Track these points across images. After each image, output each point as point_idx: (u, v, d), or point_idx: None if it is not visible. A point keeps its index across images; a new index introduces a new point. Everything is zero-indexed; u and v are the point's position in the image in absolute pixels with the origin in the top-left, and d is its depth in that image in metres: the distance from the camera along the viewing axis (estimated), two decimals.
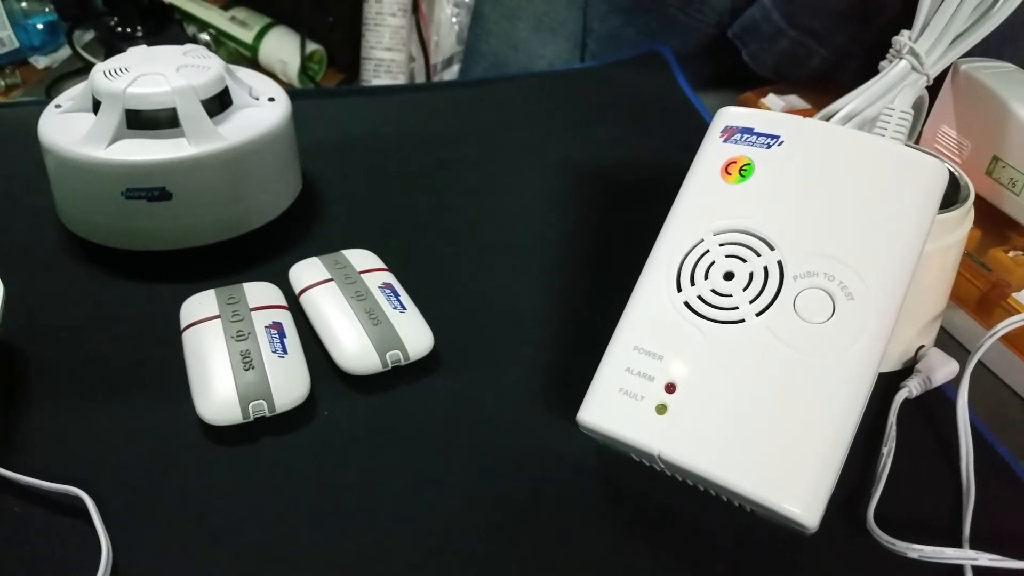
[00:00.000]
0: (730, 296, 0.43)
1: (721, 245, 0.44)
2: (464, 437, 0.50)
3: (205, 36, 1.16)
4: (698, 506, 0.45)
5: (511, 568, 0.44)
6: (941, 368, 0.53)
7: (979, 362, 0.48)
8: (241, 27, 1.13)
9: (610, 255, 0.65)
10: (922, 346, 0.55)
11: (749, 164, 0.45)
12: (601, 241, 0.66)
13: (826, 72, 0.88)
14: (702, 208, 0.46)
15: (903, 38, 0.53)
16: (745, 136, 0.46)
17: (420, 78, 1.12)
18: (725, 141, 0.47)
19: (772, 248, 0.43)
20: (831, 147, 0.45)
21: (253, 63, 1.12)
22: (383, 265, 0.59)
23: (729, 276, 0.43)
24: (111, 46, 1.14)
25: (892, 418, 0.50)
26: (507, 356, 0.56)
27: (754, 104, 0.84)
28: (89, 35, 1.18)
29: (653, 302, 0.44)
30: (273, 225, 0.64)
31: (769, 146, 0.45)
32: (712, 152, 0.47)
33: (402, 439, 0.50)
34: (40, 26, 1.17)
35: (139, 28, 1.13)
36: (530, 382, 0.54)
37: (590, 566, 0.44)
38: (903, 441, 0.49)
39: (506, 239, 0.67)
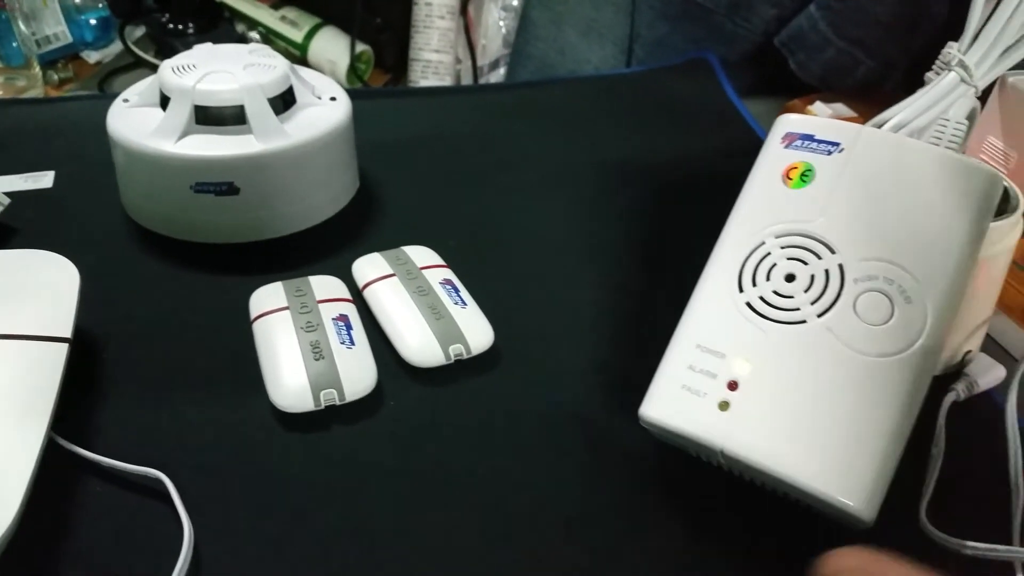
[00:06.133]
0: (791, 297, 0.44)
1: (782, 248, 0.45)
2: (526, 430, 0.52)
3: (255, 34, 1.18)
4: (755, 501, 0.46)
5: (571, 560, 0.45)
6: (988, 373, 0.55)
7: None
8: (291, 26, 1.15)
9: (660, 256, 0.66)
10: (969, 351, 0.56)
11: (810, 169, 0.47)
12: (651, 243, 0.68)
13: (872, 81, 0.89)
14: (763, 211, 0.47)
15: (952, 50, 0.54)
16: (806, 142, 0.48)
17: (467, 80, 1.14)
18: (786, 147, 0.48)
19: (833, 252, 0.44)
20: (890, 155, 0.46)
21: (301, 62, 1.14)
22: (442, 262, 0.61)
23: (790, 278, 0.44)
24: (162, 42, 1.16)
25: (941, 420, 0.51)
26: (564, 352, 0.57)
27: (801, 112, 0.85)
28: (140, 31, 1.21)
29: (715, 302, 0.46)
30: (333, 221, 0.66)
31: (829, 152, 0.47)
32: (773, 157, 0.48)
33: (466, 431, 0.51)
34: (93, 22, 1.20)
35: (190, 25, 1.15)
36: (588, 378, 0.55)
37: (652, 558, 0.45)
38: (951, 443, 0.50)
39: (558, 239, 0.68)
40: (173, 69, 0.61)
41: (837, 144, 0.47)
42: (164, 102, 0.61)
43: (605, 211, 0.71)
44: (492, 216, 0.70)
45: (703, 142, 0.82)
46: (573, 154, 0.79)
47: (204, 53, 0.64)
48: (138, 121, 0.61)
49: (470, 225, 0.69)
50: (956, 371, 0.55)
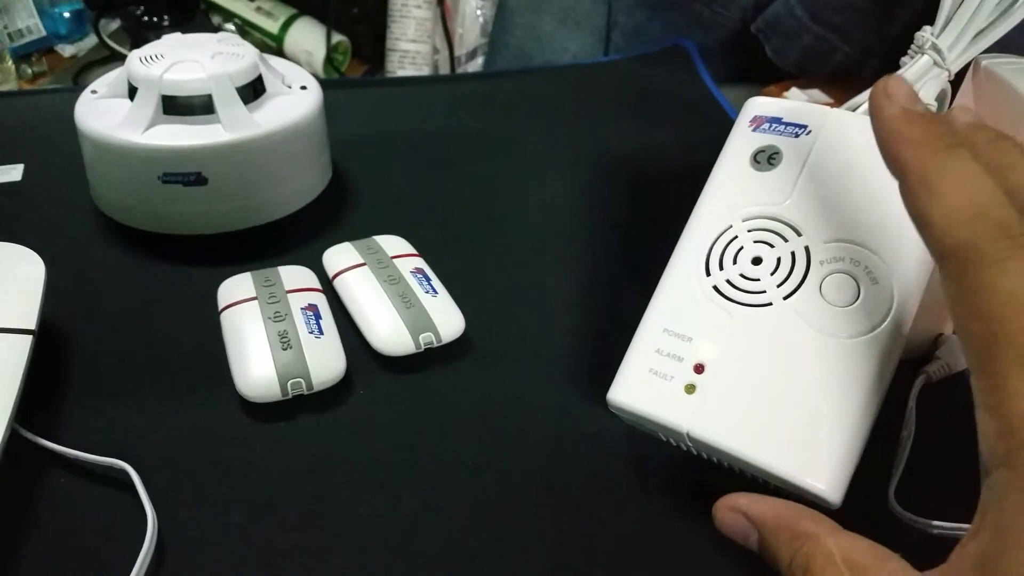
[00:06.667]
0: (758, 280, 0.44)
1: (749, 231, 0.45)
2: (496, 418, 0.51)
3: (230, 26, 1.18)
4: (724, 485, 0.46)
5: (544, 546, 0.45)
6: (960, 355, 0.54)
7: None
8: (267, 17, 1.15)
9: (634, 244, 0.66)
10: (941, 334, 0.56)
11: (777, 152, 0.46)
12: (625, 231, 0.68)
13: (848, 68, 0.89)
14: (731, 195, 0.47)
15: (925, 33, 0.54)
16: (773, 125, 0.47)
17: (444, 70, 1.13)
18: (754, 130, 0.48)
19: (799, 234, 0.44)
20: (857, 136, 0.45)
21: (278, 53, 1.13)
22: (414, 251, 0.61)
23: (757, 261, 0.44)
24: (137, 35, 1.15)
25: (911, 402, 0.51)
26: (536, 340, 0.57)
27: (777, 98, 0.85)
28: (115, 24, 1.20)
29: (682, 286, 0.46)
30: (305, 212, 0.65)
31: (797, 135, 0.46)
32: (741, 140, 0.48)
33: (436, 419, 0.51)
34: (67, 15, 1.19)
35: (165, 17, 1.14)
36: (558, 365, 0.55)
37: (620, 544, 0.45)
38: (922, 425, 0.50)
39: (532, 229, 0.68)
40: (140, 59, 0.61)
41: (805, 127, 0.47)
42: (132, 92, 0.61)
43: (581, 200, 0.71)
44: (466, 205, 0.70)
45: (680, 130, 0.82)
46: (550, 143, 0.79)
47: (173, 43, 0.64)
48: (106, 112, 0.61)
49: (444, 215, 0.69)
50: (929, 354, 0.55)
